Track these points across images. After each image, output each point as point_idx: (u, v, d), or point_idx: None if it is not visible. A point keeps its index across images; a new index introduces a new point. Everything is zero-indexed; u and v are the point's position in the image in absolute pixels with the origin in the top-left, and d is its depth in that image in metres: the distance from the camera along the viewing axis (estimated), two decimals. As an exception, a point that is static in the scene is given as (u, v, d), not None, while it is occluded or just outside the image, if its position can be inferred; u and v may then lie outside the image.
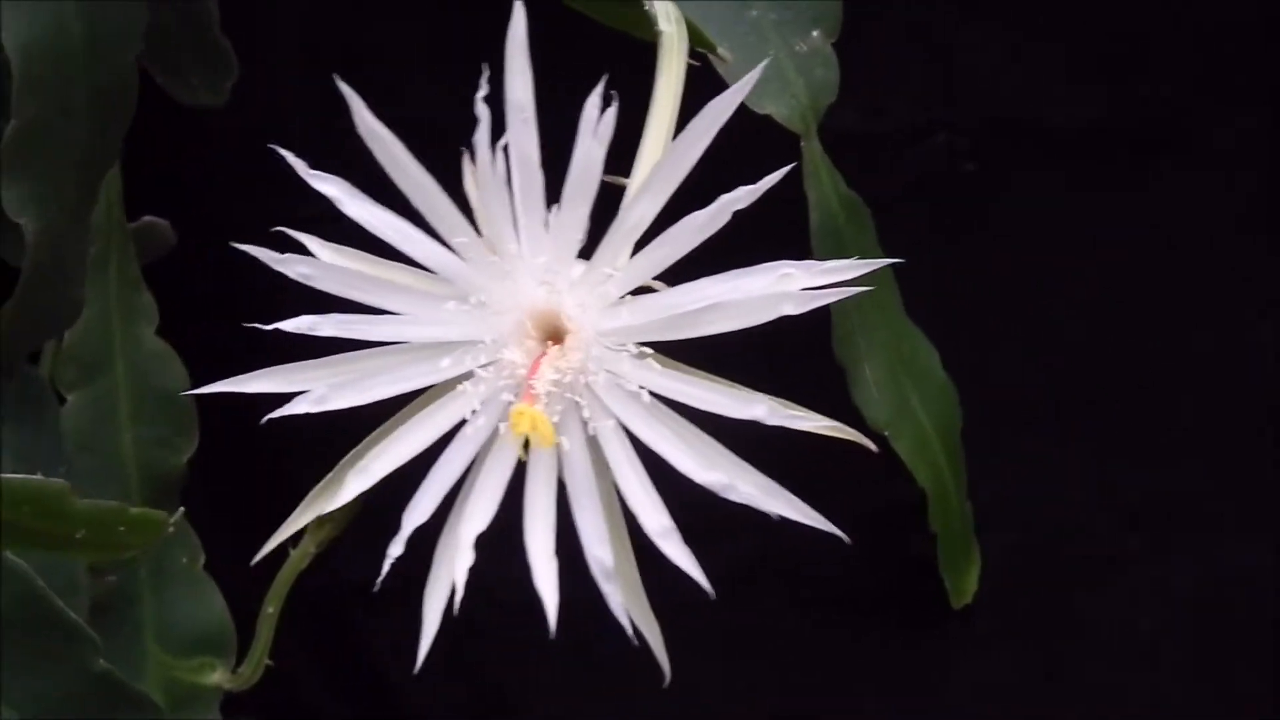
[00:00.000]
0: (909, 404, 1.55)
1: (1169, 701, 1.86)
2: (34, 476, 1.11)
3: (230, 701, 1.61)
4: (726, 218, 1.05)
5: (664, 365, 1.08)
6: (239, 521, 1.50)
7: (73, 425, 1.48)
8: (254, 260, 1.82)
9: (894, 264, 1.51)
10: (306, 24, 1.75)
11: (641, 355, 1.07)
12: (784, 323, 1.06)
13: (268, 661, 1.59)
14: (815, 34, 1.45)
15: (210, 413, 1.61)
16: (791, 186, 1.33)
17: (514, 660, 1.79)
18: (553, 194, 1.07)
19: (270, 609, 1.58)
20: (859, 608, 1.83)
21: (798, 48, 1.44)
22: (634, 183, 1.15)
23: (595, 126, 1.04)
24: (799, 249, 1.31)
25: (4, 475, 1.10)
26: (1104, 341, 1.78)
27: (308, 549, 1.58)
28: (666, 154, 1.07)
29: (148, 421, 1.57)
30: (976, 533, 1.65)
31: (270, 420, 1.44)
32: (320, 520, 1.56)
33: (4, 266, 1.45)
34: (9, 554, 1.26)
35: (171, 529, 1.19)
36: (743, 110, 1.38)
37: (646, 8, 1.31)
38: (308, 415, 1.17)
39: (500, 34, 1.71)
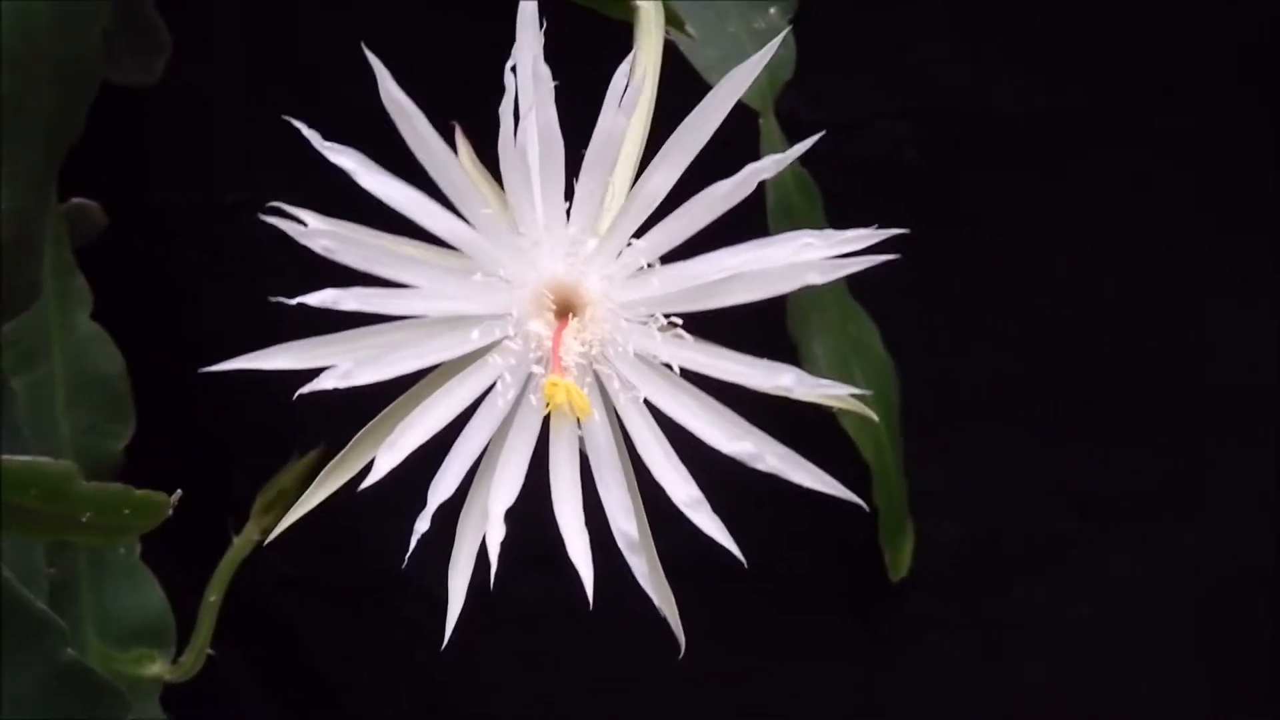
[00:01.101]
0: (854, 380, 1.57)
1: (1105, 683, 1.92)
2: (41, 458, 1.07)
3: (169, 692, 1.58)
4: (751, 188, 1.06)
5: (691, 339, 1.09)
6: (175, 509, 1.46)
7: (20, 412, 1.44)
8: (184, 242, 1.81)
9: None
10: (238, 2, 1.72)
11: (671, 327, 1.08)
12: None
13: (209, 651, 1.57)
14: (773, 11, 1.47)
15: (143, 400, 1.58)
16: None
17: (453, 659, 1.78)
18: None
19: (212, 598, 1.57)
20: (804, 591, 1.85)
21: (756, 25, 1.46)
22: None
23: (620, 98, 1.04)
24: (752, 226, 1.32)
25: (9, 457, 1.06)
26: (1049, 330, 1.83)
27: (251, 536, 1.57)
28: (683, 126, 1.07)
29: (85, 407, 1.53)
30: (924, 517, 1.69)
31: (211, 408, 1.41)
32: (265, 507, 1.55)
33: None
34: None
35: (170, 512, 1.15)
36: (696, 87, 1.41)
37: (622, -15, 1.31)
38: (243, 404, 1.14)
39: (433, 11, 1.71)
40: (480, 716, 1.93)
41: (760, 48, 1.44)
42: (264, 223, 1.71)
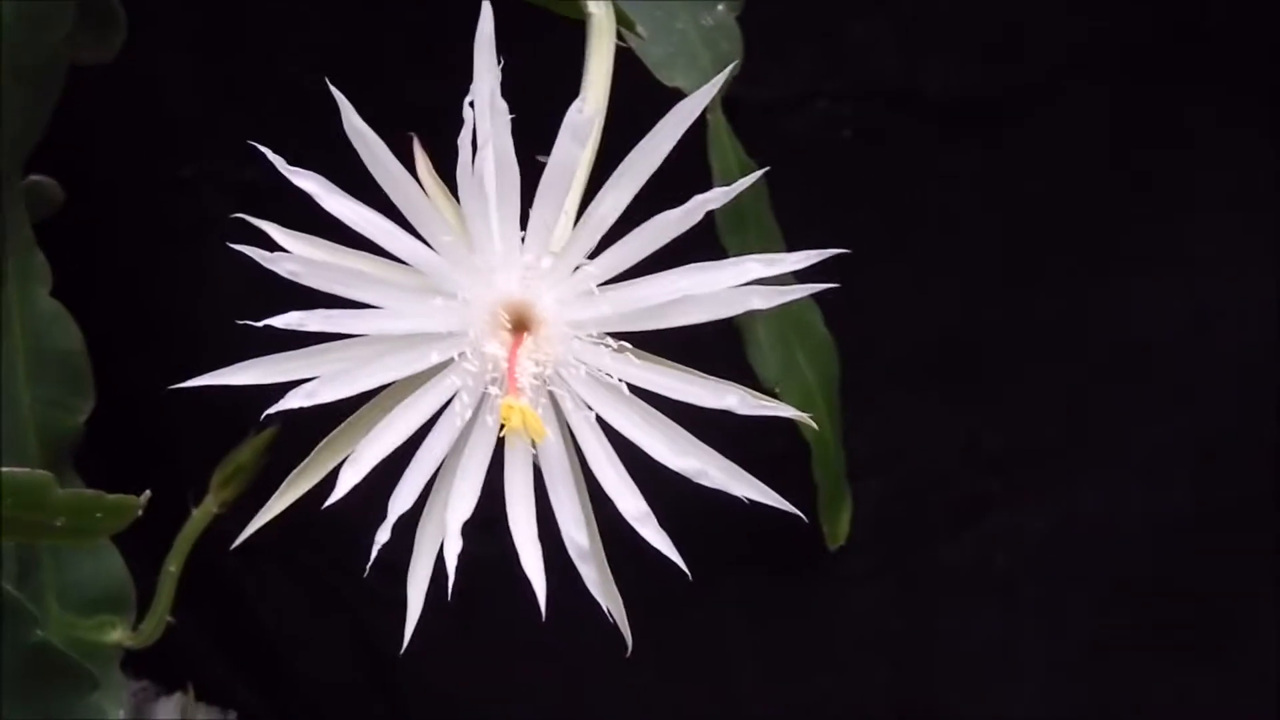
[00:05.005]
0: (796, 361, 1.62)
1: (1018, 634, 2.00)
2: (19, 469, 1.11)
3: (129, 659, 1.63)
4: (699, 217, 1.10)
5: (640, 358, 1.13)
6: (135, 482, 1.51)
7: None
8: (139, 215, 1.83)
9: (783, 229, 1.60)
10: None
11: (621, 349, 1.12)
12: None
13: (169, 619, 1.62)
14: (720, 8, 1.50)
15: (102, 373, 1.61)
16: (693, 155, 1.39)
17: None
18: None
19: (172, 568, 1.61)
20: (737, 555, 1.91)
21: (704, 21, 1.49)
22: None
23: (576, 129, 1.08)
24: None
25: (-11, 469, 1.10)
26: (965, 298, 1.88)
27: (210, 509, 1.61)
28: (636, 151, 1.10)
29: (46, 382, 1.56)
30: (851, 481, 1.74)
31: (169, 382, 1.45)
32: (223, 480, 1.60)
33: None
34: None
35: (140, 512, 1.20)
36: (647, 82, 1.45)
37: (575, -12, 1.35)
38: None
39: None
40: (431, 683, 1.99)
41: (708, 44, 1.51)
42: (218, 194, 1.76)
